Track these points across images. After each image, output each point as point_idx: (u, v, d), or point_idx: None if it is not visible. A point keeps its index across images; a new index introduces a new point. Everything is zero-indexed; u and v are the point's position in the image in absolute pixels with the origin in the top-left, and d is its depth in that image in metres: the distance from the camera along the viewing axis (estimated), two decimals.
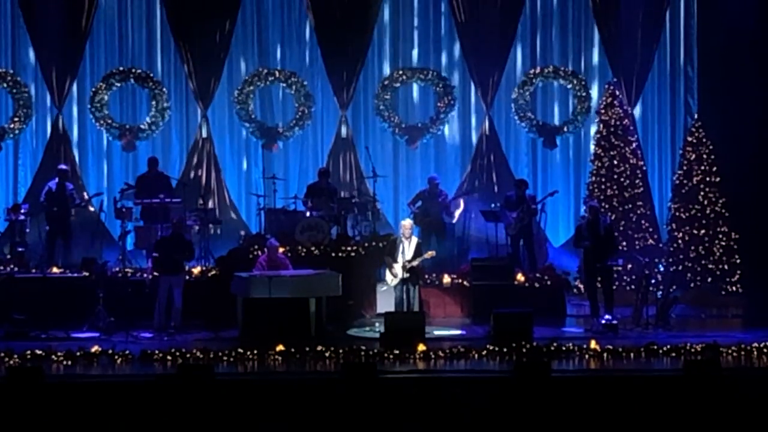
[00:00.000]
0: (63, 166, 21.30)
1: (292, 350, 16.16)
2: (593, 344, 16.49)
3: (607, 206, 21.14)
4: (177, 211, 20.64)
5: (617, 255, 19.02)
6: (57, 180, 20.88)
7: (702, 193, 21.22)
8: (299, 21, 23.39)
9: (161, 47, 23.34)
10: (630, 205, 21.55)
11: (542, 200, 21.20)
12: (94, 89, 22.69)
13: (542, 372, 14.58)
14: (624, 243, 20.74)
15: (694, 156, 21.38)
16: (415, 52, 23.58)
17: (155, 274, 18.33)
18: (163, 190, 20.70)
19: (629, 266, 20.62)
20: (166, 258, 18.12)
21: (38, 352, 15.90)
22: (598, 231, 18.67)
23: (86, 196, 21.89)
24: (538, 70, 23.18)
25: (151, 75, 22.87)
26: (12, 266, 19.88)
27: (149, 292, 18.34)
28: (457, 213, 21.98)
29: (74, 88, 22.88)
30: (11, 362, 15.55)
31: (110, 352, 16.05)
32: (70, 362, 15.85)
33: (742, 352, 16.37)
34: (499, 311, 17.37)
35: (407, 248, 18.48)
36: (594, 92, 23.23)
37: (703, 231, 21.09)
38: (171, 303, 18.08)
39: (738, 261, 21.00)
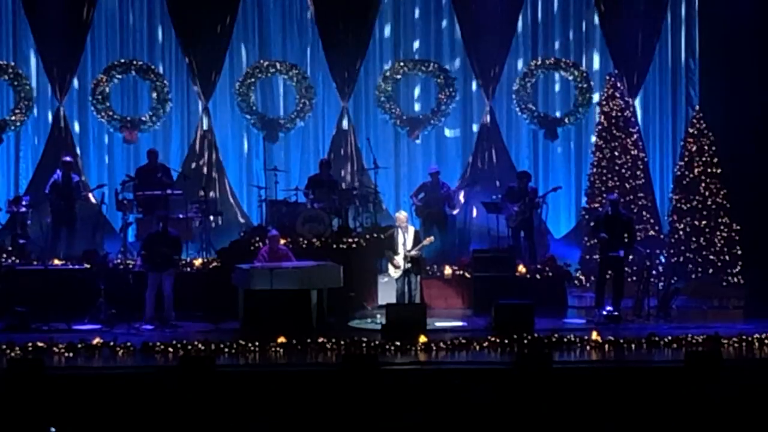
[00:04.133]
0: (67, 158, 21.27)
1: (294, 342, 16.16)
2: (594, 335, 16.49)
3: (621, 199, 21.02)
4: (178, 202, 20.71)
5: (630, 250, 18.92)
6: (62, 171, 20.87)
7: (703, 185, 21.20)
8: (300, 12, 23.39)
9: (162, 39, 23.35)
10: (631, 197, 21.53)
11: (544, 195, 21.17)
12: (95, 81, 22.68)
13: (543, 363, 14.61)
14: (639, 236, 20.62)
15: (695, 147, 21.35)
16: (416, 44, 23.59)
17: (149, 272, 18.19)
18: (163, 182, 20.72)
19: (630, 257, 20.59)
20: (156, 254, 18.05)
21: (39, 344, 15.89)
22: (615, 224, 18.66)
23: (90, 187, 21.96)
24: (539, 61, 23.17)
25: (153, 67, 22.87)
26: (13, 258, 19.90)
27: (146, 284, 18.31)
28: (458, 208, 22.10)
29: (75, 80, 22.88)
30: (12, 354, 15.54)
31: (111, 344, 16.06)
32: (71, 354, 15.85)
33: (743, 344, 16.38)
34: (500, 302, 17.39)
35: (406, 239, 18.50)
36: (595, 84, 23.22)
37: (704, 222, 21.08)
38: (162, 295, 18.01)
39: (739, 252, 20.99)
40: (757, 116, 21.75)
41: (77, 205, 21.21)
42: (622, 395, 14.41)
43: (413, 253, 18.40)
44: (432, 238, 18.91)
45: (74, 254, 20.16)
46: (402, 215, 18.90)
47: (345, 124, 23.13)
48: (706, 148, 21.31)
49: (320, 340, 16.22)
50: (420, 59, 23.32)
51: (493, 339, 16.41)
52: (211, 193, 22.35)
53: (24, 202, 20.65)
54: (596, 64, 23.55)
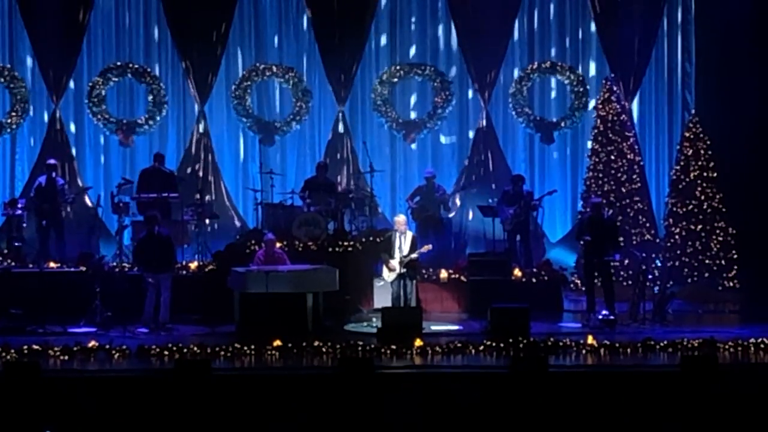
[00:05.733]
0: (51, 161, 21.27)
1: (289, 345, 16.13)
2: (590, 339, 16.47)
3: (604, 201, 21.12)
4: (174, 206, 20.70)
5: (617, 251, 18.92)
6: (46, 175, 20.87)
7: (699, 189, 21.21)
8: (297, 16, 23.40)
9: (159, 42, 23.34)
10: (627, 201, 21.54)
11: (540, 198, 21.17)
12: (91, 84, 22.68)
13: (539, 367, 14.58)
14: (621, 238, 20.70)
15: (691, 151, 21.36)
16: (412, 50, 23.58)
17: (148, 276, 18.15)
18: (164, 186, 20.70)
19: (626, 261, 20.62)
20: (151, 259, 18.02)
21: (35, 347, 15.87)
22: (599, 227, 18.65)
23: (80, 185, 21.96)
24: (535, 65, 23.18)
25: (149, 70, 22.87)
26: (9, 261, 19.89)
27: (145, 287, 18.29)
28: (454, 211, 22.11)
29: (71, 82, 22.87)
30: (8, 357, 15.51)
31: (107, 347, 16.02)
32: (66, 357, 15.81)
33: (739, 348, 16.31)
34: (496, 306, 17.35)
35: (403, 243, 18.48)
36: (591, 88, 23.21)
37: (700, 226, 21.09)
38: (159, 298, 17.99)
39: (735, 256, 20.99)
40: (753, 120, 21.73)
41: (71, 209, 21.25)
42: (617, 399, 14.40)
43: (411, 257, 18.38)
44: (430, 246, 18.89)
45: (68, 257, 20.16)
46: (401, 218, 18.89)
47: (341, 127, 23.13)
48: (702, 152, 21.33)
49: (316, 343, 16.19)
50: (416, 63, 23.32)
51: (488, 343, 16.38)
52: (207, 197, 22.30)
53: (20, 205, 20.64)
54: (593, 70, 23.55)
